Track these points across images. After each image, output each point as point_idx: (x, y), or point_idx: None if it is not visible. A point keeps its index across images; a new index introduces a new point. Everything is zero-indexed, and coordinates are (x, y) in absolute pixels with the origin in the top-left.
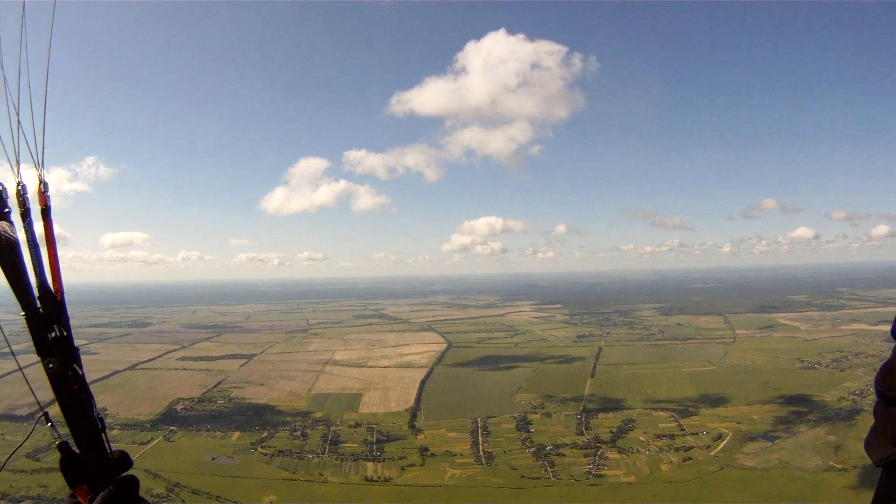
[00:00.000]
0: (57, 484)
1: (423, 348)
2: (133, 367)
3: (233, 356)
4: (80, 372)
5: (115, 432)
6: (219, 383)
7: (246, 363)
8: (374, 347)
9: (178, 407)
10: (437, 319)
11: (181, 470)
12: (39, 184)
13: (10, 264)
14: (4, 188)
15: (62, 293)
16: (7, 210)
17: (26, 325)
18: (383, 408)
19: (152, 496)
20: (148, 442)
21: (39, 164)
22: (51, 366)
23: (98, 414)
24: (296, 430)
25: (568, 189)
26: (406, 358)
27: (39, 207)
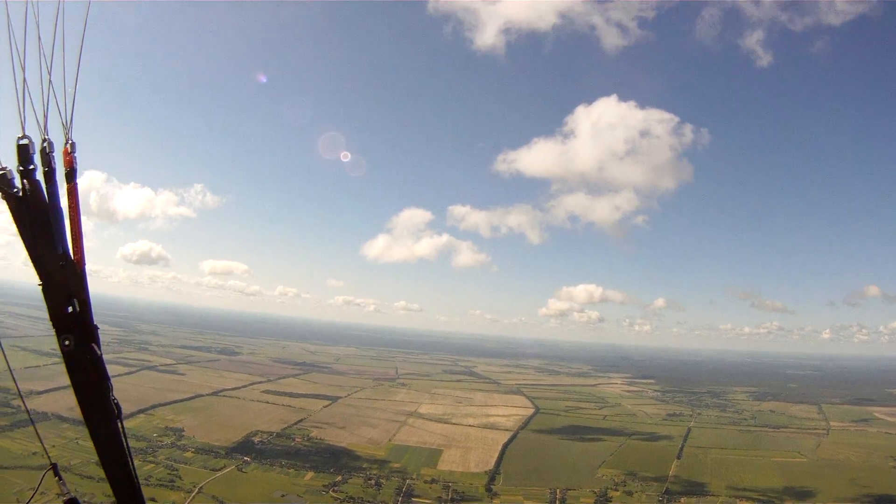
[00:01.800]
0: None
1: (510, 411)
2: (216, 394)
3: (317, 396)
4: (99, 352)
5: (188, 454)
6: (300, 421)
7: (330, 405)
8: (460, 404)
9: (256, 439)
10: (527, 383)
11: (248, 502)
12: (66, 143)
13: (30, 227)
14: (32, 142)
15: (83, 264)
16: (32, 167)
17: (42, 297)
18: (462, 467)
19: None
20: (220, 469)
21: (68, 122)
22: (66, 343)
23: (114, 400)
24: (370, 479)
25: (670, 262)
26: (491, 419)
27: (65, 169)
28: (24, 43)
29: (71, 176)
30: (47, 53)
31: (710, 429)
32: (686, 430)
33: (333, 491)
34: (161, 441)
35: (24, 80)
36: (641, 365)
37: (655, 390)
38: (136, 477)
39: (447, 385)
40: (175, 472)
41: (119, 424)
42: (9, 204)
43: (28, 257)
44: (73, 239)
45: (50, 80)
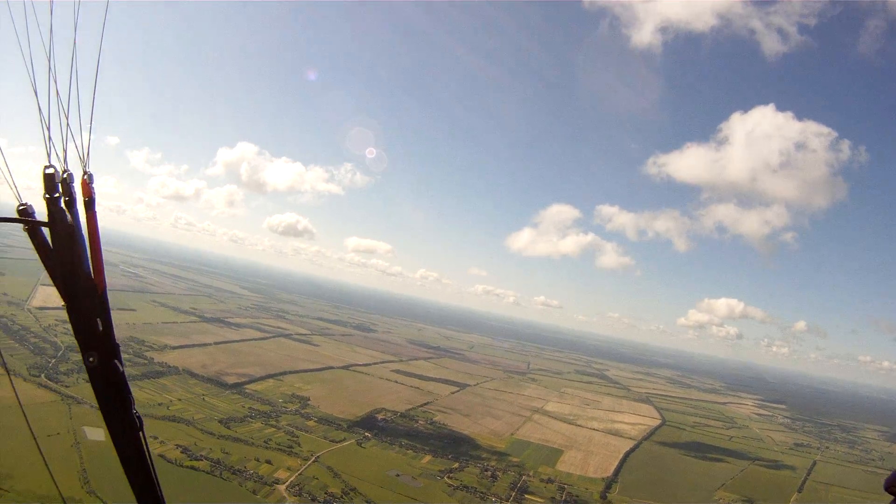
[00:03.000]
0: (239, 453)
1: (636, 419)
2: (347, 367)
3: (446, 381)
4: (121, 368)
5: (311, 423)
6: (425, 404)
7: (457, 391)
8: (587, 407)
9: (379, 416)
10: (656, 393)
11: (363, 477)
12: (84, 174)
13: (58, 252)
14: (57, 172)
15: (104, 287)
16: (57, 195)
17: (67, 317)
18: (580, 470)
19: (326, 494)
20: (340, 441)
21: (84, 156)
22: (90, 360)
23: (136, 413)
24: (487, 470)
25: (816, 285)
26: (616, 425)
27: (84, 199)
28: (49, 80)
29: (90, 205)
30: (64, 95)
31: (835, 465)
32: (811, 463)
33: (448, 477)
34: (286, 407)
35: (48, 115)
36: (774, 388)
37: (785, 416)
38: (160, 487)
39: (577, 385)
40: (295, 439)
41: (141, 436)
42: (31, 232)
43: (51, 281)
44: (93, 264)
45: (67, 118)
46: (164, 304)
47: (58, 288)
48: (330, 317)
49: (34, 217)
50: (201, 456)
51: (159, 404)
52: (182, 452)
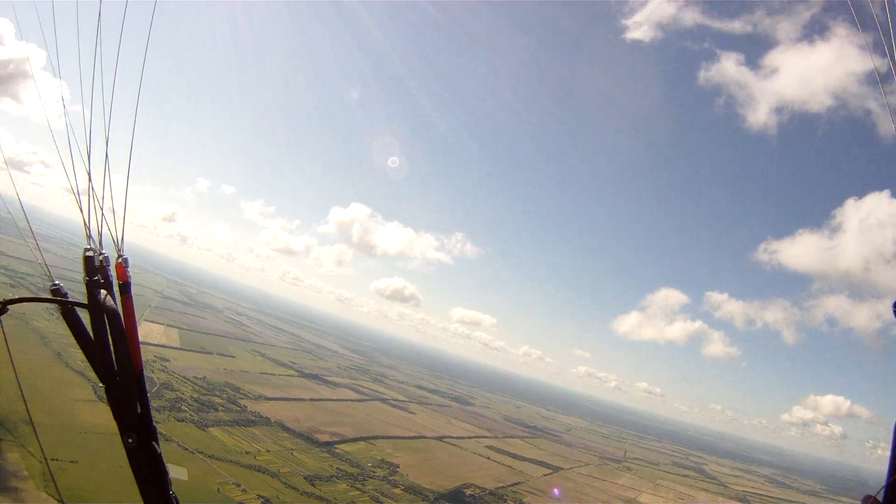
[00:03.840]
0: None
1: None
2: (440, 439)
3: (540, 462)
4: (158, 450)
5: (397, 490)
6: (516, 483)
7: (550, 474)
8: (681, 501)
9: (468, 491)
10: (754, 492)
11: None
12: (118, 258)
13: (96, 335)
14: (95, 255)
15: (141, 369)
16: (96, 278)
17: (106, 401)
18: None
19: None
20: None
21: (119, 242)
22: (130, 441)
23: (174, 495)
24: None
25: None
26: None
27: (119, 282)
28: (89, 167)
29: (126, 289)
30: (98, 185)
31: None
32: None
33: None
34: (374, 472)
35: (88, 203)
36: None
37: None
38: None
39: (673, 478)
40: None
41: None
42: (65, 314)
43: (88, 363)
44: (130, 347)
45: (101, 206)
46: (264, 355)
47: (95, 370)
48: (429, 385)
49: (67, 297)
50: None
51: (247, 452)
52: (263, 503)
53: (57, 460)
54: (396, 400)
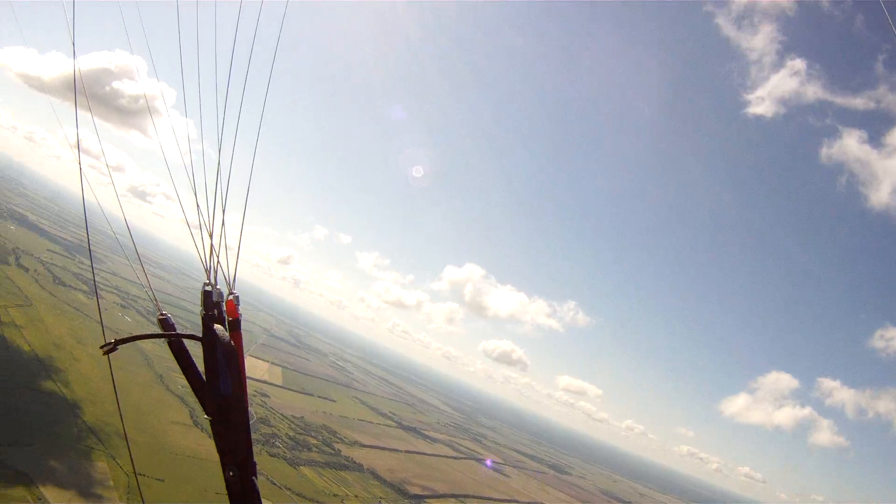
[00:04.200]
0: None
1: None
2: None
3: None
4: (257, 486)
5: None
6: None
7: None
8: None
9: None
10: None
11: None
12: (230, 295)
13: (208, 369)
14: (214, 290)
15: (247, 405)
16: (211, 313)
17: (211, 432)
18: None
19: None
20: None
21: (231, 281)
22: (231, 473)
23: None
24: None
25: None
26: None
27: (228, 319)
28: (213, 207)
29: (235, 325)
30: (218, 223)
31: None
32: None
33: None
34: None
35: (211, 240)
36: None
37: None
38: None
39: None
40: None
41: None
42: (173, 345)
43: (194, 394)
44: (236, 383)
45: (213, 247)
46: (364, 403)
47: (202, 402)
48: (527, 450)
49: (174, 328)
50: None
51: (335, 495)
52: None
53: (144, 476)
54: (492, 461)
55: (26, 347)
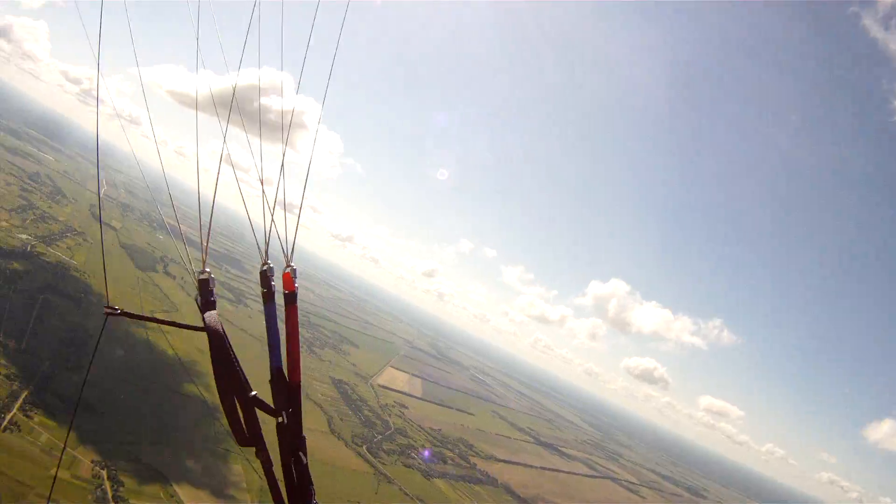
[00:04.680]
0: None
1: None
2: None
3: None
4: (305, 461)
5: None
6: None
7: None
8: None
9: None
10: None
11: None
12: (287, 267)
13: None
14: (271, 267)
15: (298, 381)
16: (264, 291)
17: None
18: None
19: None
20: None
21: (288, 253)
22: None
23: (313, 491)
24: None
25: None
26: None
27: (284, 292)
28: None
29: (291, 299)
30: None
31: None
32: None
33: None
34: None
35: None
36: None
37: None
38: None
39: None
40: None
41: None
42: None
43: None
44: (290, 358)
45: (273, 219)
46: (502, 417)
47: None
48: (664, 471)
49: (212, 293)
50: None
51: None
52: None
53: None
54: (628, 481)
55: (170, 351)
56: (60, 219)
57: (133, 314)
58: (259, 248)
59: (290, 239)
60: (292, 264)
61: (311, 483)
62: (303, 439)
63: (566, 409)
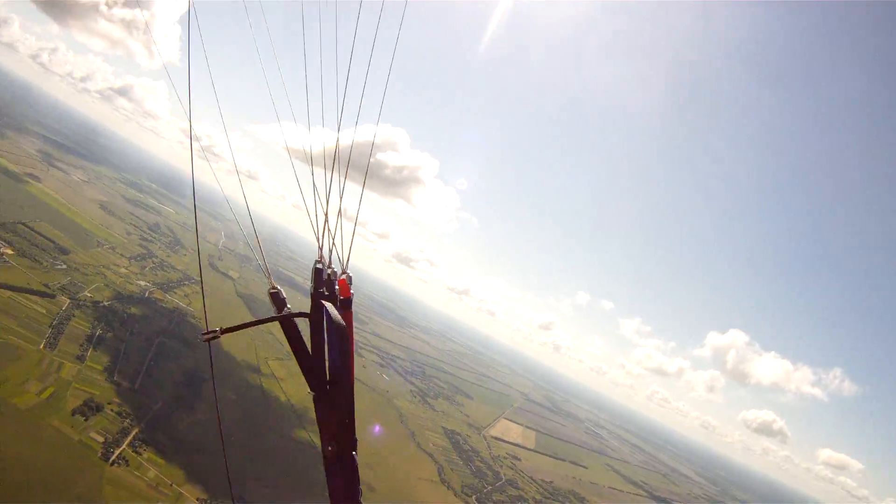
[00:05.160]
0: None
1: None
2: None
3: None
4: (356, 460)
5: None
6: None
7: None
8: None
9: None
10: None
11: None
12: (342, 274)
13: (314, 345)
14: (325, 268)
15: (352, 383)
16: (321, 291)
17: (313, 406)
18: None
19: None
20: None
21: (343, 262)
22: (329, 448)
23: (361, 492)
24: None
25: None
26: None
27: (340, 298)
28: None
29: (346, 305)
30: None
31: None
32: None
33: None
34: None
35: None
36: None
37: None
38: None
39: None
40: None
41: None
42: (285, 323)
43: (301, 371)
44: (342, 361)
45: (329, 230)
46: (616, 470)
47: (308, 379)
48: None
49: (285, 303)
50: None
51: None
52: None
53: None
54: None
55: (283, 398)
56: (178, 267)
57: (232, 327)
58: (321, 250)
59: (348, 246)
60: (348, 271)
61: (359, 483)
62: (356, 440)
63: (681, 462)
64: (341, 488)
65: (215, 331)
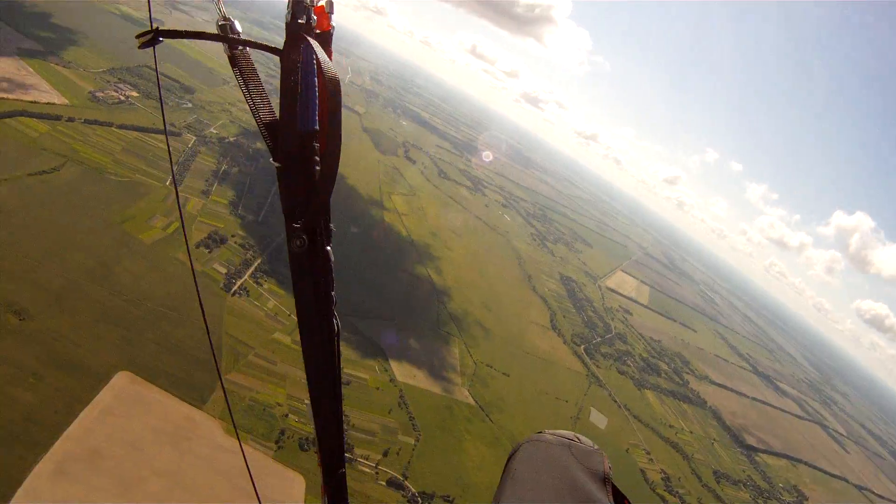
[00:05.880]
0: None
1: None
2: (860, 488)
3: None
4: (331, 256)
5: None
6: None
7: None
8: None
9: None
10: None
11: None
12: (321, 1)
13: (284, 91)
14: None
15: (332, 150)
16: (300, 22)
17: (277, 180)
18: None
19: None
20: None
21: None
22: (297, 243)
23: (336, 317)
24: None
25: None
26: None
27: (316, 31)
28: None
29: (326, 40)
30: None
31: None
32: None
33: None
34: (782, 496)
35: None
36: None
37: None
38: (341, 401)
39: None
40: None
41: (335, 346)
42: (234, 60)
43: (258, 128)
44: (321, 118)
45: None
46: (724, 338)
47: (265, 137)
48: (875, 429)
49: (238, 35)
50: (676, 492)
51: (670, 426)
52: (662, 479)
53: (491, 367)
54: (836, 432)
55: (404, 233)
56: None
57: (172, 30)
58: None
59: None
60: None
61: (333, 286)
62: (331, 230)
63: (789, 341)
64: (311, 293)
65: (150, 32)
